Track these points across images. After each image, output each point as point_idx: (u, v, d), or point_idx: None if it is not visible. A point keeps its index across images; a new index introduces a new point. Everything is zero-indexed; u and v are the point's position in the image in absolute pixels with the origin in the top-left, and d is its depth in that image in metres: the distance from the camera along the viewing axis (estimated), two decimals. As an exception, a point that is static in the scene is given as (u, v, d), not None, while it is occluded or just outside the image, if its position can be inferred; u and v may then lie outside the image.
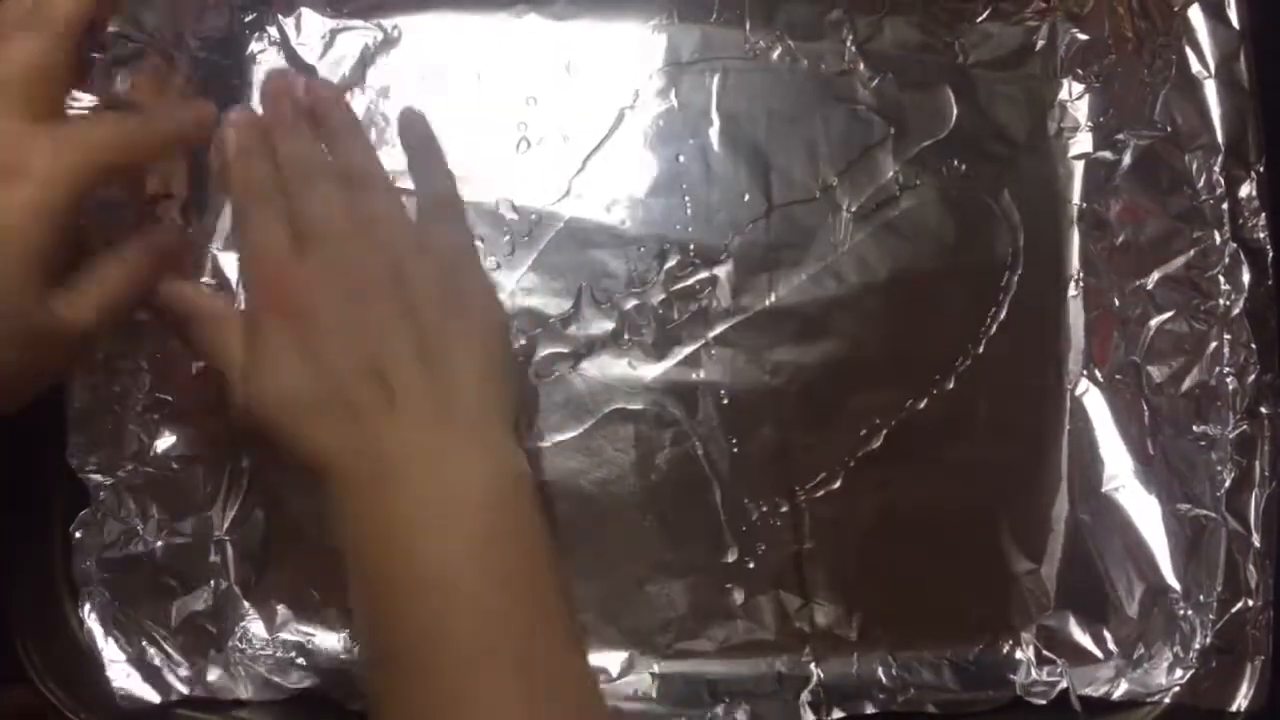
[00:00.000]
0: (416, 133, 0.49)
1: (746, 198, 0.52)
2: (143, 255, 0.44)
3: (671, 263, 0.51)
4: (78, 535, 0.46)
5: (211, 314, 0.44)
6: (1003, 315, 0.51)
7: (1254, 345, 0.46)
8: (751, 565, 0.49)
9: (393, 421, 0.40)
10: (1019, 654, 0.49)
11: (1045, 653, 0.49)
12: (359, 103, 0.52)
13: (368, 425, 0.40)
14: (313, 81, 0.50)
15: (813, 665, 0.49)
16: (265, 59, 0.52)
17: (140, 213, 0.48)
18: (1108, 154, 0.52)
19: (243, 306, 0.45)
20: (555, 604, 0.39)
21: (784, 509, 0.50)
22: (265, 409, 0.41)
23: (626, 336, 0.51)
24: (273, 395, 0.41)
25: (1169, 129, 0.49)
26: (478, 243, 0.50)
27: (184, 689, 0.47)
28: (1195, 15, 0.49)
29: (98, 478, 0.47)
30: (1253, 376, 0.46)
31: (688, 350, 0.50)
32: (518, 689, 0.37)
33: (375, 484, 0.39)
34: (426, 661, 0.37)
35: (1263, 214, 0.47)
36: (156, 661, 0.47)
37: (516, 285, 0.51)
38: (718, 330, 0.51)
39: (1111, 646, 0.48)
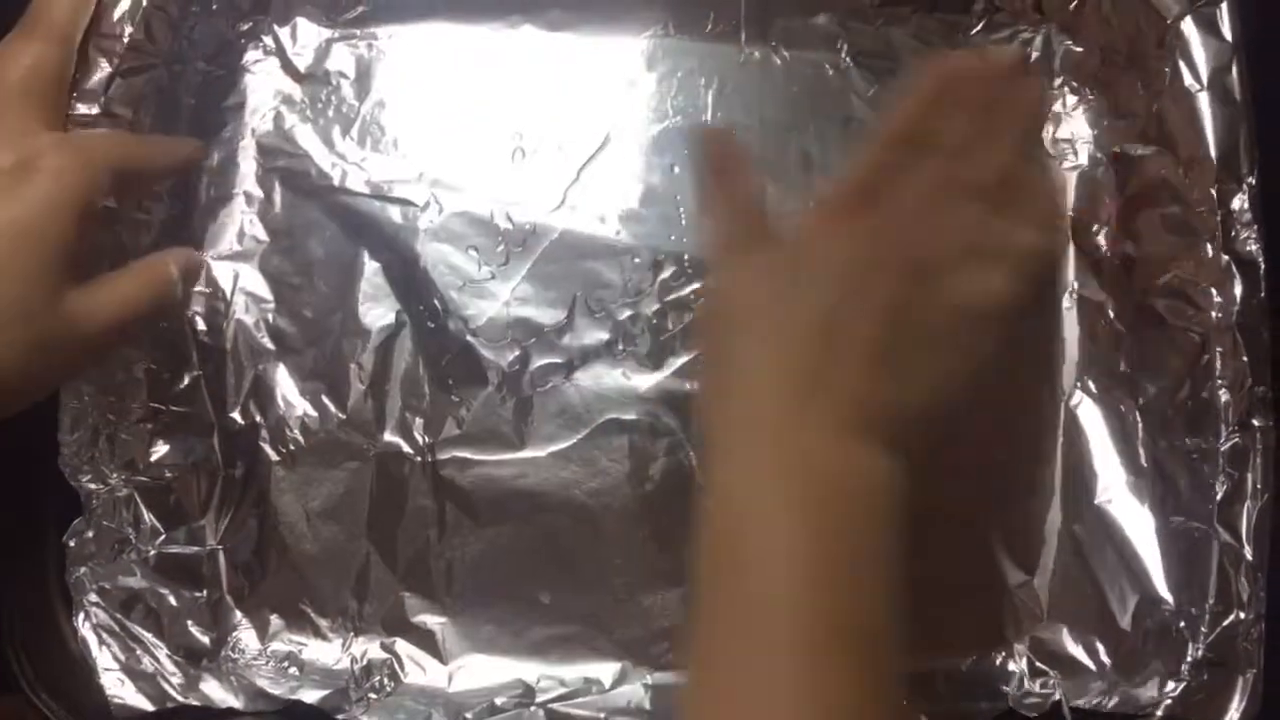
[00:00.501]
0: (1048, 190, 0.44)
1: (741, 208, 0.52)
2: (156, 270, 0.45)
3: (666, 273, 0.51)
4: (70, 544, 0.46)
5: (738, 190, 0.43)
6: (997, 326, 0.51)
7: (1246, 358, 0.46)
8: (745, 575, 0.49)
9: (810, 395, 0.37)
10: (1012, 665, 0.49)
11: (1038, 664, 0.48)
12: (355, 111, 0.52)
13: (787, 386, 0.37)
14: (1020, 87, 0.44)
15: (805, 675, 0.48)
16: (260, 69, 0.52)
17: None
18: (1102, 166, 0.52)
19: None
20: (873, 617, 0.36)
21: (777, 519, 0.50)
22: (717, 302, 0.41)
23: (621, 347, 0.51)
24: (732, 294, 0.40)
25: (1162, 141, 0.49)
26: (470, 252, 0.51)
27: (177, 698, 0.47)
28: (1188, 27, 0.48)
29: (91, 486, 0.47)
30: (1245, 389, 0.46)
31: (682, 361, 0.50)
32: (814, 680, 0.34)
33: (750, 441, 0.37)
34: (738, 637, 0.35)
35: (1255, 226, 0.46)
36: (149, 670, 0.47)
37: (511, 295, 0.51)
38: (712, 340, 0.51)
39: (1104, 658, 0.48)
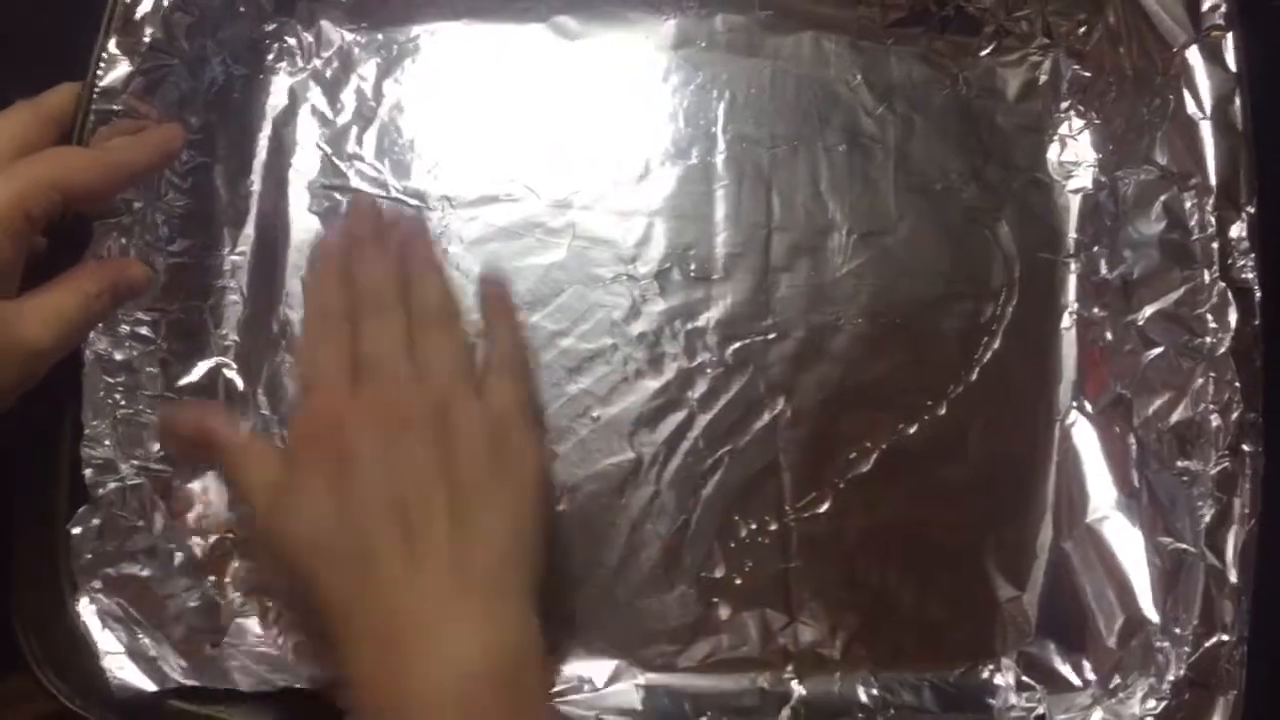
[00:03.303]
0: (495, 289, 0.50)
1: (747, 220, 0.53)
2: (98, 279, 0.44)
3: (671, 281, 0.52)
4: (75, 530, 0.46)
5: (240, 445, 0.44)
6: (996, 344, 0.52)
7: (1238, 384, 0.46)
8: (738, 581, 0.50)
9: (409, 576, 0.39)
10: (999, 679, 0.49)
11: (1024, 679, 0.49)
12: (374, 114, 0.53)
13: (384, 576, 0.39)
14: (403, 216, 0.51)
15: (795, 683, 0.49)
16: (282, 70, 0.54)
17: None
18: (1105, 189, 0.53)
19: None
20: None
21: (773, 527, 0.50)
22: (285, 546, 0.41)
23: (622, 351, 0.51)
24: (294, 533, 0.41)
25: (1164, 167, 0.50)
26: (481, 255, 0.52)
27: (178, 680, 0.47)
28: (1193, 56, 0.49)
29: (100, 474, 0.47)
30: (1236, 414, 0.46)
31: (683, 367, 0.51)
32: None
33: (381, 646, 0.39)
34: None
35: (1251, 254, 0.47)
36: (152, 654, 0.47)
37: (518, 298, 0.52)
38: (714, 349, 0.51)
39: (1089, 675, 0.48)
